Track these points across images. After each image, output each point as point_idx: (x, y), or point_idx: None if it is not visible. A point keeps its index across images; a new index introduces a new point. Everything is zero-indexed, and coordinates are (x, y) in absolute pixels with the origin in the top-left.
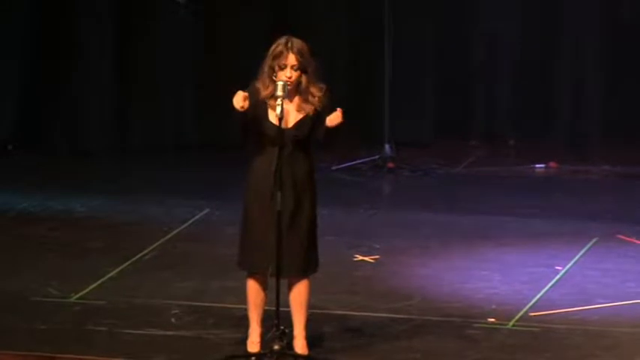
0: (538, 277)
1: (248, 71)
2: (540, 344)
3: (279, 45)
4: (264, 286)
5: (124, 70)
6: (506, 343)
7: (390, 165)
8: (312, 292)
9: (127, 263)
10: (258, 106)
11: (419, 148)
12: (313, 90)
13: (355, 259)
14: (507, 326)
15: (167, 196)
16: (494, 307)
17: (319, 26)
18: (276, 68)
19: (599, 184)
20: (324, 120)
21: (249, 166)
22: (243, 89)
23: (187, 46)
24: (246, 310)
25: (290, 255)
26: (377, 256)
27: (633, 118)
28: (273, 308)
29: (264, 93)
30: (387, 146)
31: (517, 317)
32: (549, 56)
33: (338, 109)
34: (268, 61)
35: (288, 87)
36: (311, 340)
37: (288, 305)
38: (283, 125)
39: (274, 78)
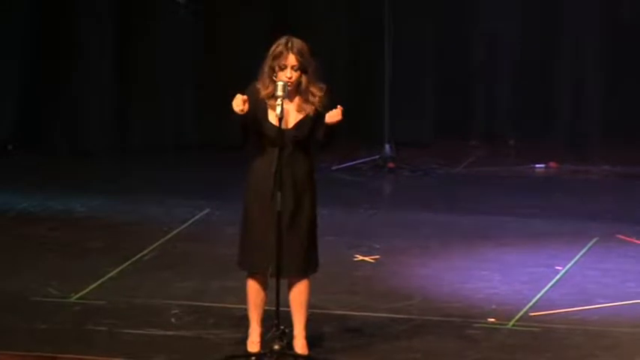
0: (538, 277)
1: (248, 71)
2: (540, 344)
3: (279, 45)
4: (264, 286)
5: (124, 70)
6: (506, 343)
7: (390, 165)
8: (312, 292)
9: (127, 263)
10: (258, 107)
11: (419, 148)
12: (313, 90)
13: (355, 259)
14: (507, 326)
15: (167, 196)
16: (494, 307)
17: (319, 26)
18: (277, 69)
19: (599, 184)
20: (324, 120)
21: (249, 166)
22: (243, 89)
23: (187, 46)
24: (246, 310)
25: (290, 255)
26: (377, 256)
27: (633, 118)
28: (273, 308)
29: (264, 93)
30: (387, 146)
31: (517, 317)
32: (549, 56)
33: (338, 106)
34: (268, 62)
35: (289, 87)
36: (311, 340)
37: (288, 305)
38: (283, 125)
39: (274, 78)
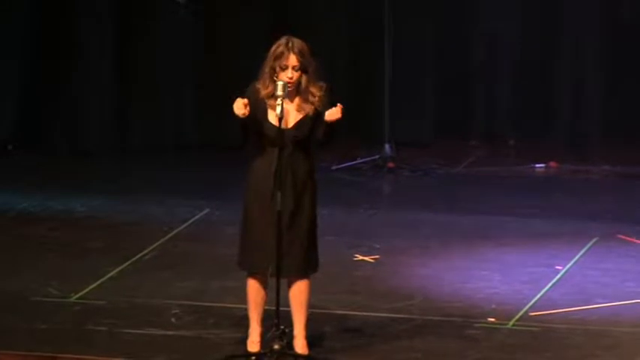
0: (538, 277)
1: (248, 71)
2: (540, 344)
3: (279, 46)
4: (265, 286)
5: (124, 70)
6: (506, 343)
7: (390, 165)
8: (312, 291)
9: (127, 263)
10: (258, 107)
11: (419, 148)
12: (313, 90)
13: (355, 259)
14: (507, 326)
15: (167, 196)
16: (494, 306)
17: (319, 26)
18: (277, 69)
19: (599, 184)
20: (324, 119)
21: (249, 166)
22: (243, 89)
23: (187, 46)
24: (246, 309)
25: (290, 255)
26: (377, 256)
27: (633, 118)
28: (273, 308)
29: (264, 93)
30: (387, 146)
31: (517, 317)
32: (549, 56)
33: (338, 104)
34: (269, 62)
35: (289, 87)
36: (311, 339)
37: (288, 305)
38: (283, 125)
39: (275, 78)
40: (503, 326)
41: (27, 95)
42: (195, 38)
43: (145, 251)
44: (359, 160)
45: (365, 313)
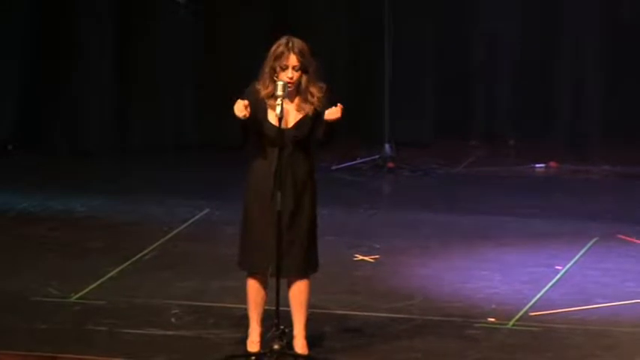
0: (538, 277)
1: (248, 71)
2: (540, 344)
3: (279, 46)
4: (264, 286)
5: (124, 70)
6: (506, 343)
7: (390, 165)
8: (312, 291)
9: (127, 263)
10: (258, 107)
11: (419, 148)
12: (313, 90)
13: (355, 259)
14: (507, 326)
15: (167, 196)
16: (494, 306)
17: (319, 26)
18: (278, 69)
19: (599, 184)
20: (323, 119)
21: (249, 166)
22: (243, 89)
23: (187, 46)
24: (246, 309)
25: (290, 255)
26: (377, 256)
27: (633, 118)
28: (273, 308)
29: (265, 93)
30: (387, 146)
31: (517, 317)
32: (549, 56)
33: (338, 104)
34: (269, 62)
35: (289, 87)
36: (311, 339)
37: (288, 305)
38: (283, 125)
39: (275, 79)
40: (503, 326)
41: (27, 95)
42: (195, 38)
43: (145, 251)
44: (359, 160)
45: (365, 313)
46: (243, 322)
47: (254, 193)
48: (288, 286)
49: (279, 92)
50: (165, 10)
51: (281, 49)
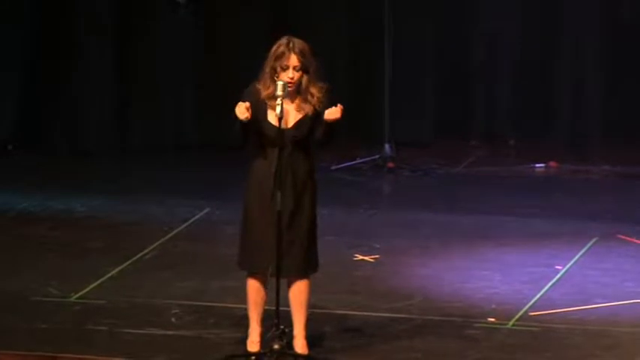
0: (538, 276)
1: (248, 71)
2: (540, 344)
3: (280, 46)
4: (264, 286)
5: (124, 70)
6: (506, 343)
7: (390, 165)
8: (312, 291)
9: (127, 263)
10: (259, 107)
11: (419, 148)
12: (313, 90)
13: (355, 259)
14: (507, 326)
15: (167, 196)
16: (494, 306)
17: (319, 26)
18: (278, 69)
19: (599, 184)
20: (323, 119)
21: (249, 166)
22: (243, 90)
23: (187, 46)
24: (246, 309)
25: (290, 255)
26: (377, 256)
27: (633, 118)
28: (273, 308)
29: (265, 93)
30: (387, 146)
31: (517, 317)
32: (549, 56)
33: (338, 104)
34: (270, 62)
35: (289, 87)
36: (311, 339)
37: (288, 305)
38: (283, 125)
39: (276, 79)
40: (503, 326)
41: (27, 95)
42: (195, 38)
43: (145, 251)
44: (359, 160)
45: (365, 313)
46: (243, 322)
47: (254, 193)
48: (288, 286)
49: (279, 92)
50: (165, 10)
51: (282, 49)
